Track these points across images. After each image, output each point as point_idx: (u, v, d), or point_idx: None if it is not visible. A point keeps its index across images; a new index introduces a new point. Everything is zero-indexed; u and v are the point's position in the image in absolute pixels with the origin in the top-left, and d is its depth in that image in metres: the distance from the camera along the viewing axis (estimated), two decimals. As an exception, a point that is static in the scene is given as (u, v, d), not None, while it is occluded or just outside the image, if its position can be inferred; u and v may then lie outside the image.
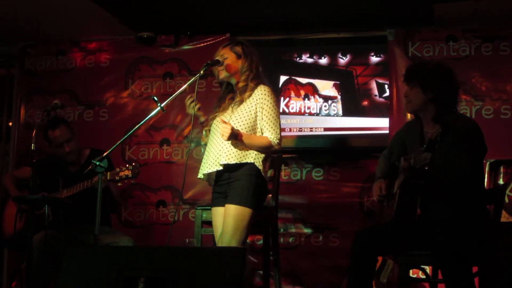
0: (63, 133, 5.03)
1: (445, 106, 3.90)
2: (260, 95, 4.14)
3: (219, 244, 4.13)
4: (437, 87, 3.86)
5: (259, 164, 4.09)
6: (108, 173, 4.49)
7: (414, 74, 3.97)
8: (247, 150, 4.10)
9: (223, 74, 4.20)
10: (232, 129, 3.95)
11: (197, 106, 4.17)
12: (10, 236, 4.95)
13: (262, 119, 4.12)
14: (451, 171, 3.70)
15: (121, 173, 4.44)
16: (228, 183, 4.10)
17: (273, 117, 4.13)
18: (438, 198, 3.81)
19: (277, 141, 4.12)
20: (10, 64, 6.78)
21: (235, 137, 3.99)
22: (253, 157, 4.09)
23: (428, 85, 3.87)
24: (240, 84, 4.20)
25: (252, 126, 4.12)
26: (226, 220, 4.01)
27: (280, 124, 4.18)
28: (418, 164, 3.60)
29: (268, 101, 4.13)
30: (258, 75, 4.25)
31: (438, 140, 3.79)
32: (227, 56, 4.20)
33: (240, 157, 4.07)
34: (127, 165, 4.47)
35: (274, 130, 4.12)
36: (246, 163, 4.07)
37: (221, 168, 4.06)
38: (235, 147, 4.06)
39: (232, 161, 4.05)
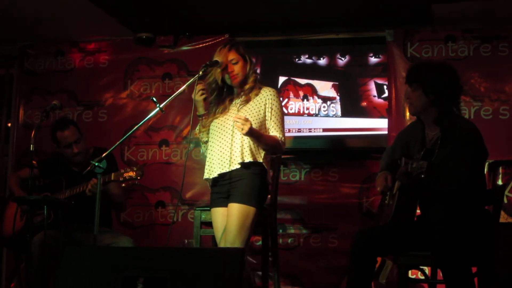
0: (72, 133, 5.03)
1: (447, 108, 3.89)
2: (270, 96, 4.22)
3: (221, 244, 4.14)
4: (439, 89, 3.84)
5: (264, 162, 4.14)
6: (113, 174, 4.49)
7: (416, 75, 3.94)
8: (259, 149, 4.14)
9: (238, 79, 4.22)
10: (251, 124, 3.98)
11: (204, 95, 4.20)
12: (10, 236, 4.95)
13: (271, 119, 4.20)
14: (449, 181, 3.71)
15: (126, 174, 4.45)
16: (230, 183, 4.10)
17: (280, 117, 4.22)
18: (437, 200, 3.82)
19: (284, 140, 4.21)
20: (9, 64, 6.77)
21: (251, 133, 4.00)
22: (262, 157, 4.15)
23: (430, 87, 3.84)
24: (247, 86, 4.23)
25: (260, 124, 4.17)
26: (230, 219, 4.01)
27: (284, 126, 4.27)
28: (414, 172, 3.63)
29: (277, 102, 4.23)
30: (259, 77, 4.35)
31: (438, 144, 3.80)
32: (238, 60, 4.23)
33: (253, 156, 4.11)
34: (132, 166, 4.48)
35: (281, 130, 4.21)
36: (256, 162, 4.10)
37: (238, 166, 4.06)
38: (247, 146, 4.09)
39: (247, 159, 4.08)
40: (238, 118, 3.98)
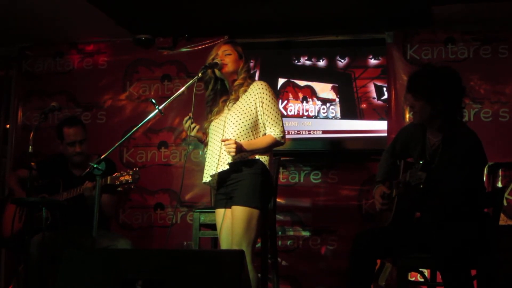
0: (79, 132, 5.04)
1: (451, 115, 3.87)
2: (258, 90, 4.13)
3: (223, 245, 4.15)
4: (443, 99, 3.79)
5: (265, 160, 4.09)
6: (109, 177, 4.47)
7: (419, 85, 3.86)
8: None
9: (226, 69, 4.17)
10: (236, 142, 3.95)
11: (196, 127, 4.16)
12: (8, 236, 4.95)
13: (264, 113, 4.11)
14: (447, 196, 3.71)
15: (121, 178, 4.42)
16: (232, 183, 4.08)
17: (274, 110, 4.12)
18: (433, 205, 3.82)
19: (282, 134, 4.12)
20: (7, 66, 6.77)
21: (240, 151, 3.98)
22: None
23: (435, 98, 3.79)
24: (237, 83, 4.19)
25: (252, 121, 4.10)
26: (235, 222, 3.99)
27: (281, 116, 4.18)
28: (413, 182, 3.63)
29: (267, 94, 4.13)
30: (253, 77, 4.29)
31: (439, 152, 3.80)
32: (231, 53, 4.20)
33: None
34: (128, 170, 4.45)
35: (277, 123, 4.12)
36: (251, 160, 4.06)
37: (227, 167, 4.03)
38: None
39: (239, 159, 4.03)
40: (223, 142, 3.97)
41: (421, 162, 3.61)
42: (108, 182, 4.46)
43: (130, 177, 4.40)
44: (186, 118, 4.16)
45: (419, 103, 3.85)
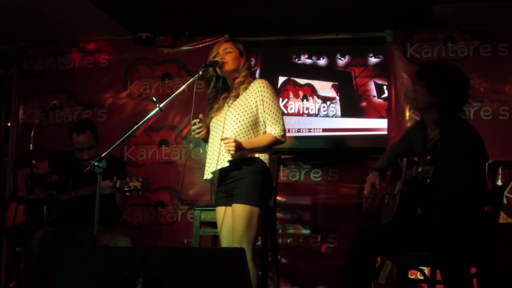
0: (87, 140, 5.05)
1: (449, 112, 3.89)
2: (259, 88, 4.13)
3: (223, 243, 4.15)
4: (443, 93, 3.83)
5: (265, 158, 4.09)
6: (118, 181, 4.49)
7: (425, 73, 3.94)
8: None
9: (227, 67, 4.17)
10: (235, 140, 3.95)
11: (203, 132, 4.17)
12: (10, 228, 4.97)
13: (264, 111, 4.11)
14: (449, 190, 3.72)
15: (131, 183, 4.45)
16: (232, 181, 4.08)
17: (275, 108, 4.12)
18: (438, 201, 3.82)
19: (282, 133, 4.12)
20: (8, 65, 6.78)
21: (240, 149, 3.98)
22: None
23: (435, 89, 3.84)
24: (237, 80, 4.20)
25: (252, 119, 4.09)
26: (236, 219, 4.00)
27: (282, 114, 4.17)
28: (419, 176, 3.63)
29: (268, 93, 4.13)
30: (254, 75, 4.31)
31: (438, 146, 3.81)
32: (231, 51, 4.20)
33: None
34: (138, 178, 4.49)
35: (277, 122, 4.12)
36: (251, 158, 4.07)
37: (227, 164, 4.04)
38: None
39: (238, 157, 4.03)
40: (222, 140, 3.98)
41: (428, 157, 3.62)
42: (117, 186, 4.49)
43: (139, 183, 4.43)
44: (196, 121, 4.16)
45: (421, 90, 3.90)
